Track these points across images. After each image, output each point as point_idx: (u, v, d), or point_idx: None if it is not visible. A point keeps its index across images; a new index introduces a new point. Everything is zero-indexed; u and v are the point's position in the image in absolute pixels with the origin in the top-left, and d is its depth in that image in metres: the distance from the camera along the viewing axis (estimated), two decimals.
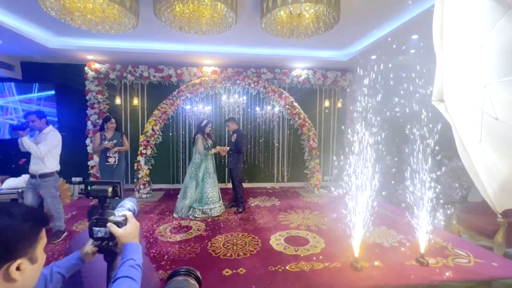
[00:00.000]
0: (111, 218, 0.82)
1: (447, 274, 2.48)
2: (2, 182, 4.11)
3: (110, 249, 0.84)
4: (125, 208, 0.91)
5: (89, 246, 0.89)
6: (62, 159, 5.29)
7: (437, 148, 2.67)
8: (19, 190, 3.72)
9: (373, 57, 4.73)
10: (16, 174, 4.10)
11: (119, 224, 0.80)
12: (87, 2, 2.46)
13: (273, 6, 2.59)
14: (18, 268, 0.59)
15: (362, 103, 3.13)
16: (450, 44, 0.91)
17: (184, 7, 2.56)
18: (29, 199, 3.08)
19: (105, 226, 0.80)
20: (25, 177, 3.72)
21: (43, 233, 0.67)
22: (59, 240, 3.14)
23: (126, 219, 0.83)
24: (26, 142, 2.88)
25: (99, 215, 0.82)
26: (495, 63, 0.87)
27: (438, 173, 3.33)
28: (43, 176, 3.04)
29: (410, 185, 2.72)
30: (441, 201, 3.47)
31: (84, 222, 3.77)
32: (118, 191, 0.85)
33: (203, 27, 2.87)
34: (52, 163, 3.13)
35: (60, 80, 5.27)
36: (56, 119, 5.33)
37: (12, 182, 3.93)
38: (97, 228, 0.81)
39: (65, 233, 3.26)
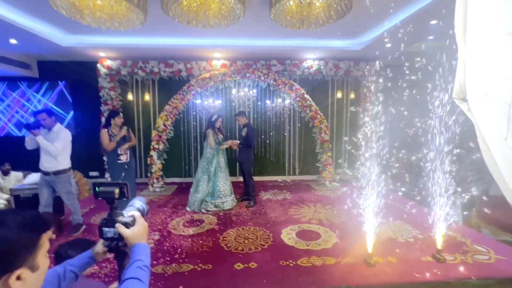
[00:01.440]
0: (120, 218, 0.82)
1: (462, 270, 2.39)
2: (25, 177, 4.31)
3: (120, 249, 0.85)
4: (134, 207, 0.91)
5: (100, 246, 0.90)
6: (79, 155, 5.48)
7: (457, 140, 2.54)
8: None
9: (388, 45, 4.53)
10: (37, 170, 4.28)
11: (127, 225, 0.81)
12: (96, 0, 2.46)
13: None
14: (19, 278, 0.57)
15: (378, 95, 3.01)
16: (474, 35, 0.83)
17: (191, 0, 2.51)
18: (45, 195, 3.17)
19: (114, 227, 0.80)
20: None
21: (44, 239, 0.64)
22: (78, 233, 3.26)
23: (134, 220, 0.83)
24: (42, 141, 2.93)
25: (108, 215, 0.83)
26: None
27: (457, 165, 3.20)
28: (57, 173, 3.10)
29: (428, 178, 2.61)
30: (460, 195, 3.34)
31: (101, 215, 3.89)
32: (126, 192, 0.85)
33: (211, 20, 2.82)
34: (65, 160, 3.18)
35: (74, 77, 5.40)
36: (71, 115, 5.50)
37: (34, 178, 4.10)
38: (106, 229, 0.82)
39: (84, 226, 3.38)
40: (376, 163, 2.53)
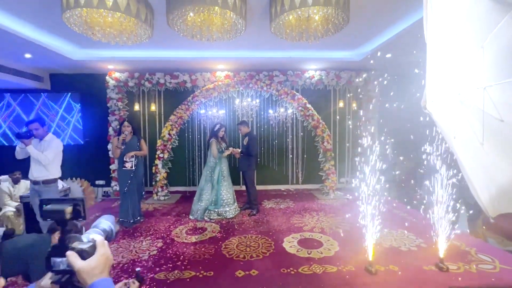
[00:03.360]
0: (75, 244, 0.62)
1: (465, 279, 2.37)
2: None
3: (75, 285, 0.63)
4: (99, 229, 0.72)
5: (47, 280, 0.69)
6: (86, 163, 5.63)
7: None
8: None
9: (388, 55, 4.63)
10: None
11: (83, 253, 0.60)
12: (106, 17, 2.62)
13: (281, 11, 2.63)
14: None
15: (378, 103, 3.07)
16: (450, 47, 0.90)
17: (196, 16, 2.66)
18: (38, 204, 3.23)
19: (65, 256, 0.60)
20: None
21: None
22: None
23: (94, 247, 0.63)
24: (33, 151, 2.95)
25: (59, 241, 0.63)
26: (495, 64, 0.86)
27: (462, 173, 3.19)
28: (46, 182, 3.10)
29: (432, 186, 2.62)
30: (466, 203, 3.32)
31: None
32: (81, 211, 0.65)
33: (214, 35, 2.96)
34: (55, 170, 3.17)
35: (84, 89, 5.61)
36: (81, 126, 5.68)
37: None
38: (57, 259, 0.61)
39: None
40: (379, 172, 2.56)
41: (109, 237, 0.74)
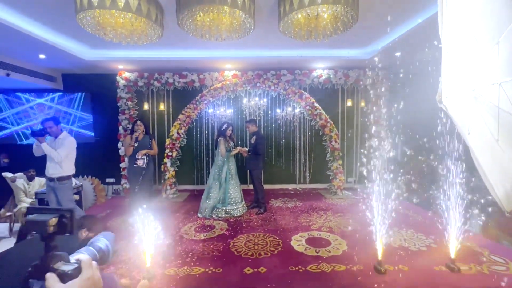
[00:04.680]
0: (57, 265, 0.54)
1: (477, 280, 2.33)
2: None
3: None
4: (95, 248, 0.65)
5: None
6: (97, 161, 5.74)
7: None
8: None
9: (398, 53, 4.57)
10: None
11: (63, 276, 0.52)
12: (118, 18, 2.68)
13: (290, 9, 2.63)
14: None
15: (387, 102, 3.04)
16: (465, 43, 0.90)
17: (205, 16, 2.69)
18: (54, 201, 3.30)
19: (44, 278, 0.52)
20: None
21: None
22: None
23: (78, 269, 0.55)
24: (46, 148, 3.06)
25: (40, 260, 0.54)
26: (511, 60, 0.85)
27: (475, 172, 3.13)
28: (60, 179, 3.22)
29: (443, 185, 2.58)
30: (479, 203, 3.26)
31: (116, 220, 4.04)
32: (68, 224, 0.56)
33: (223, 34, 2.99)
34: (69, 167, 3.28)
35: (95, 89, 5.73)
36: (91, 124, 5.80)
37: None
38: (35, 281, 0.53)
39: None
40: (388, 171, 2.54)
41: (105, 258, 0.67)
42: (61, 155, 3.13)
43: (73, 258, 0.58)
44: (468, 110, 0.83)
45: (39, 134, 3.07)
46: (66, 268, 0.54)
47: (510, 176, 0.70)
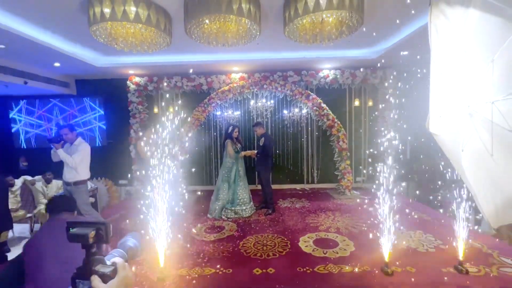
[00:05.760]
0: (98, 267, 0.65)
1: (486, 282, 2.33)
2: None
3: None
4: (125, 248, 0.75)
5: None
6: (110, 164, 5.94)
7: None
8: None
9: (405, 52, 4.53)
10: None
11: (104, 277, 0.63)
12: (129, 28, 2.79)
13: (295, 15, 2.67)
14: None
15: (395, 101, 3.05)
16: (460, 60, 0.94)
17: (212, 24, 2.76)
18: None
19: (89, 279, 0.63)
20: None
21: None
22: None
23: (115, 270, 0.65)
24: (61, 154, 3.20)
25: (83, 262, 0.65)
26: (505, 77, 0.88)
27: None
28: (77, 183, 3.36)
29: (452, 185, 2.57)
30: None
31: (132, 220, 4.20)
32: (103, 235, 0.67)
33: (230, 40, 3.06)
34: (84, 172, 3.41)
35: (107, 94, 5.92)
36: (104, 128, 6.00)
37: None
38: (80, 281, 0.64)
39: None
40: (396, 171, 2.55)
41: (134, 255, 0.76)
42: (76, 161, 3.27)
43: (109, 261, 0.68)
44: (462, 127, 0.87)
45: (55, 140, 3.23)
46: (105, 270, 0.64)
47: (501, 190, 0.73)
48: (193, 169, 5.41)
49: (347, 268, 2.66)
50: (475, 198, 0.81)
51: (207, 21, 2.69)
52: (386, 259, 2.54)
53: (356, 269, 2.62)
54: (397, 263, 2.66)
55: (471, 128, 0.91)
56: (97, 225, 0.67)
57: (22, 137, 6.18)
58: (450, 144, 0.83)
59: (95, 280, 0.62)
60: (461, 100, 0.90)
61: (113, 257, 0.71)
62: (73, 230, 0.67)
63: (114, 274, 0.65)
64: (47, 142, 3.36)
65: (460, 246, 2.55)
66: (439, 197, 4.42)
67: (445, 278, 2.43)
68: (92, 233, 0.66)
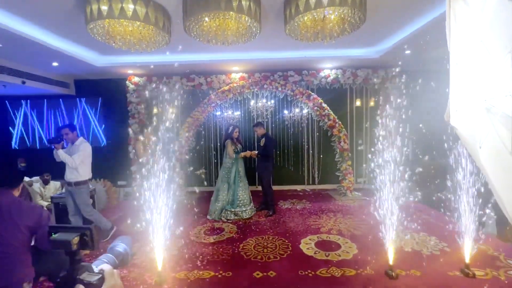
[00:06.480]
0: (83, 276, 0.59)
1: (493, 286, 2.26)
2: (63, 186, 4.71)
3: None
4: (114, 253, 0.70)
5: None
6: (109, 165, 5.88)
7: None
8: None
9: (408, 52, 4.47)
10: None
11: (90, 286, 0.58)
12: (127, 26, 2.74)
13: (296, 12, 2.62)
14: None
15: (398, 101, 2.99)
16: (476, 53, 0.87)
17: (211, 22, 2.71)
18: (71, 204, 3.40)
19: None
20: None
21: None
22: (106, 239, 3.46)
23: (102, 278, 0.60)
24: (61, 154, 3.16)
25: (67, 271, 0.60)
26: None
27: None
28: (78, 184, 3.31)
29: (456, 187, 2.50)
30: (494, 205, 3.16)
31: (128, 223, 4.13)
32: (88, 241, 0.62)
33: (229, 39, 3.00)
34: (85, 172, 3.37)
35: (106, 94, 5.87)
36: (102, 128, 5.95)
37: None
38: None
39: (113, 230, 3.57)
40: (399, 171, 2.49)
41: (124, 261, 0.72)
42: (76, 161, 3.23)
43: (96, 268, 0.63)
44: (479, 122, 0.81)
45: (55, 141, 3.19)
46: (91, 278, 0.59)
47: None
48: (199, 171, 5.36)
49: (350, 271, 2.59)
50: (496, 196, 0.75)
51: (206, 18, 2.64)
52: (390, 262, 2.47)
53: (360, 272, 2.55)
54: (402, 268, 2.59)
55: (488, 124, 0.85)
56: (81, 230, 0.63)
57: (20, 137, 6.13)
58: (469, 139, 0.77)
59: None
60: (478, 94, 0.84)
61: (101, 263, 0.66)
62: (55, 236, 0.63)
63: (101, 282, 0.60)
64: (46, 143, 3.31)
65: (467, 249, 2.48)
66: (443, 199, 4.35)
67: (452, 281, 2.36)
68: (75, 239, 0.61)
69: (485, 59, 0.89)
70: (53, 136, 3.30)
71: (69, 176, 3.32)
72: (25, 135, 6.14)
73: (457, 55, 0.78)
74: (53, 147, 3.21)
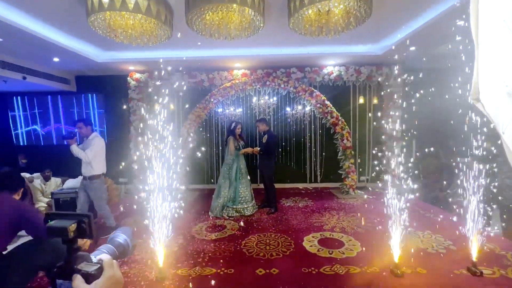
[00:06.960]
0: (81, 265, 0.56)
1: (501, 285, 2.21)
2: (63, 182, 4.69)
3: None
4: (114, 244, 0.68)
5: None
6: (110, 162, 5.84)
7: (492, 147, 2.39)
8: (77, 190, 4.18)
9: (412, 48, 4.41)
10: (74, 176, 4.64)
11: (88, 277, 0.55)
12: (128, 19, 2.69)
13: (300, 5, 2.56)
14: None
15: (402, 98, 2.93)
16: (496, 35, 0.82)
17: (214, 15, 2.66)
18: (82, 198, 3.41)
19: (70, 278, 0.55)
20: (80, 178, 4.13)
21: None
22: (108, 235, 3.44)
23: (101, 268, 0.57)
24: (74, 149, 3.19)
25: (65, 260, 0.57)
26: None
27: (496, 171, 2.97)
28: (92, 178, 3.34)
29: (462, 184, 2.45)
30: (500, 203, 3.11)
31: (129, 219, 4.10)
32: (86, 228, 0.58)
33: (232, 33, 2.95)
34: (99, 166, 3.40)
35: (107, 90, 5.83)
36: (104, 125, 5.92)
37: (71, 183, 4.46)
38: (61, 282, 0.56)
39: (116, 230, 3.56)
40: (403, 169, 2.44)
41: (125, 252, 0.69)
42: (88, 156, 3.25)
43: (95, 258, 0.60)
44: (501, 108, 0.76)
45: (68, 136, 3.21)
46: (89, 268, 0.56)
47: None
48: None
49: (354, 269, 2.54)
50: None
51: (209, 12, 2.59)
52: (396, 260, 2.42)
53: (364, 270, 2.51)
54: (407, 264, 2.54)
55: (510, 110, 0.80)
56: (79, 217, 0.59)
57: (21, 134, 6.11)
58: (497, 122, 0.72)
59: (77, 280, 0.54)
60: (499, 78, 0.79)
61: (100, 254, 0.63)
62: (51, 223, 0.59)
63: (100, 273, 0.56)
64: (61, 139, 3.32)
65: (474, 247, 2.43)
66: (449, 197, 4.29)
67: (459, 280, 2.31)
68: (72, 226, 0.57)
69: (507, 40, 0.83)
70: (67, 131, 3.30)
71: (84, 170, 3.36)
72: (25, 132, 6.12)
73: (479, 35, 0.73)
74: (66, 143, 3.23)
